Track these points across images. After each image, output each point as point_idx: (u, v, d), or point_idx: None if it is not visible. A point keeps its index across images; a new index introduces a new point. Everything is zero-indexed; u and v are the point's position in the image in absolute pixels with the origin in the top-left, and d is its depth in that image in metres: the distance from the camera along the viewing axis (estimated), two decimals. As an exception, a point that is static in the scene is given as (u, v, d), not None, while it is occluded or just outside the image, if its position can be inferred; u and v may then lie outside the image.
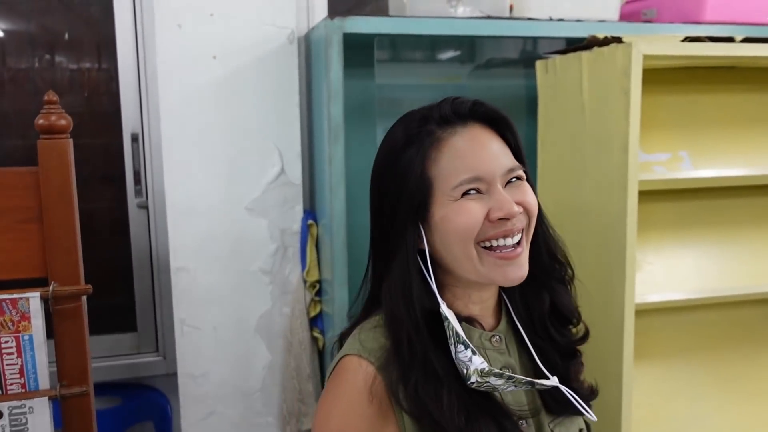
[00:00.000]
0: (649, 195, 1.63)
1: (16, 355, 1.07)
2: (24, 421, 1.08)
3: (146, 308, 2.08)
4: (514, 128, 0.90)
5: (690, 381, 1.70)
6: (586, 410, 0.88)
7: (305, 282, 1.93)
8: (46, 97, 1.12)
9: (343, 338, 0.93)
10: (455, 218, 0.84)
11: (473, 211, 0.84)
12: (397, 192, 0.87)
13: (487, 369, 0.82)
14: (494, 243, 0.85)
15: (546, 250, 0.94)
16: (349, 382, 0.85)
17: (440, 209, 0.85)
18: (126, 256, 2.05)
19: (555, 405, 0.90)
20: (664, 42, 1.46)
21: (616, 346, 1.48)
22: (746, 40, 1.49)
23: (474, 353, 0.82)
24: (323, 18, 1.68)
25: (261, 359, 1.97)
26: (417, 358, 0.82)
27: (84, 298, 1.14)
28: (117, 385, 2.05)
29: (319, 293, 1.95)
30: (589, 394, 0.94)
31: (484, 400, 0.85)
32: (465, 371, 0.82)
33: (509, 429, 0.83)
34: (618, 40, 1.44)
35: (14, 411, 1.08)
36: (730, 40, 1.49)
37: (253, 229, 1.90)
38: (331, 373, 0.89)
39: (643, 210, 1.57)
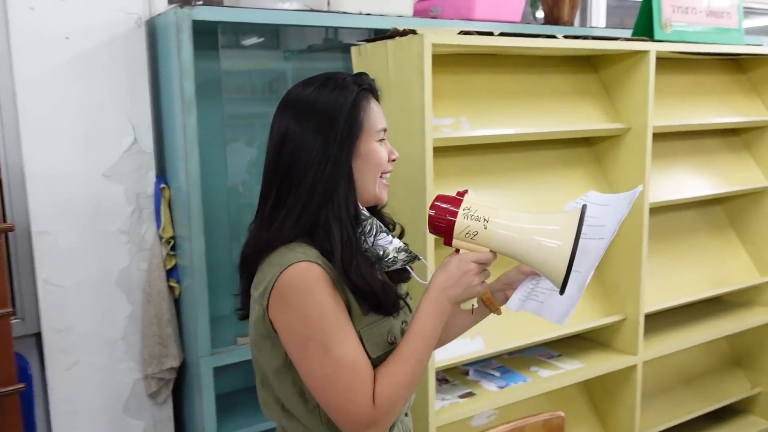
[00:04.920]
0: (441, 151, 2.13)
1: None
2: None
3: (2, 274, 2.19)
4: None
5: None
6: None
7: (161, 238, 2.19)
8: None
9: (247, 261, 1.20)
10: (378, 154, 1.20)
11: (385, 152, 1.23)
12: (339, 130, 1.15)
13: (402, 246, 1.21)
14: (384, 176, 1.24)
15: None
16: (310, 277, 1.09)
17: (367, 146, 1.19)
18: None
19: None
20: (446, 34, 1.95)
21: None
22: (502, 34, 2.03)
23: (394, 237, 1.22)
24: (172, 6, 1.96)
25: (122, 310, 2.20)
26: (355, 248, 1.15)
27: None
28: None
29: (173, 248, 2.22)
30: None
31: (387, 279, 1.24)
32: (382, 252, 1.19)
33: (397, 295, 1.22)
34: (413, 32, 1.90)
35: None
36: (491, 34, 2.02)
37: (110, 194, 2.12)
38: (273, 286, 1.10)
39: (438, 164, 2.06)
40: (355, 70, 2.19)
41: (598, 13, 3.10)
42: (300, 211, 1.15)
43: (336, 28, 2.35)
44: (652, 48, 2.25)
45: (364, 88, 1.21)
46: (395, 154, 1.26)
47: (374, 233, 1.20)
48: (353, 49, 2.17)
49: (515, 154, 2.32)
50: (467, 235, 1.15)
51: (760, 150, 2.81)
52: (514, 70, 2.32)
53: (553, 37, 2.12)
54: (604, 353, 2.44)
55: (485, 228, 1.14)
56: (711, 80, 2.76)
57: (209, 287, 2.10)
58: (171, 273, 2.22)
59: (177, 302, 2.26)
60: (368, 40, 2.10)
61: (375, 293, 1.15)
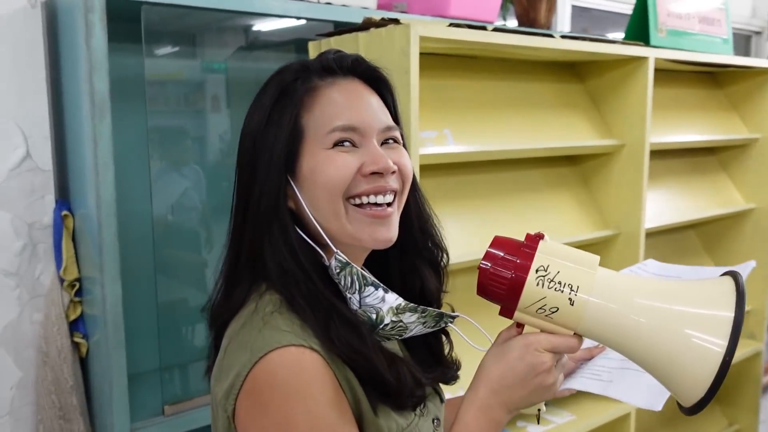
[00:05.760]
0: (423, 169, 1.77)
1: None
2: None
3: None
4: (394, 90, 0.88)
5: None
6: (488, 339, 0.86)
7: (62, 282, 1.69)
8: None
9: (220, 319, 0.83)
10: (325, 169, 0.78)
11: (344, 162, 0.79)
12: (268, 145, 0.80)
13: (402, 304, 0.80)
14: (365, 200, 0.80)
15: (418, 225, 0.90)
16: (300, 373, 0.73)
17: (310, 160, 0.79)
18: None
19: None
20: (436, 26, 1.59)
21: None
22: (496, 29, 1.69)
23: (386, 291, 0.80)
24: (80, -20, 1.49)
25: (8, 377, 1.68)
26: (329, 309, 0.78)
27: None
28: None
29: (79, 293, 1.72)
30: (454, 368, 0.95)
31: (393, 350, 0.83)
32: (375, 315, 0.79)
33: (418, 377, 0.81)
34: (396, 21, 1.53)
35: None
36: (483, 29, 1.68)
37: (-8, 225, 1.61)
38: (243, 383, 0.73)
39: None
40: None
41: (564, 19, 2.85)
42: (236, 258, 0.84)
43: (290, 18, 1.93)
44: (651, 54, 1.99)
45: (321, 73, 0.84)
46: (379, 163, 0.79)
47: (357, 288, 0.80)
48: (311, 45, 1.77)
49: (489, 174, 1.99)
50: (540, 311, 0.75)
51: (739, 170, 2.63)
52: (493, 76, 2.00)
53: (550, 36, 1.81)
54: (594, 401, 2.14)
55: (571, 303, 0.73)
56: (687, 94, 2.55)
57: (127, 339, 1.63)
58: (75, 325, 1.72)
59: (83, 363, 1.76)
60: (332, 33, 1.71)
61: (376, 370, 0.77)
